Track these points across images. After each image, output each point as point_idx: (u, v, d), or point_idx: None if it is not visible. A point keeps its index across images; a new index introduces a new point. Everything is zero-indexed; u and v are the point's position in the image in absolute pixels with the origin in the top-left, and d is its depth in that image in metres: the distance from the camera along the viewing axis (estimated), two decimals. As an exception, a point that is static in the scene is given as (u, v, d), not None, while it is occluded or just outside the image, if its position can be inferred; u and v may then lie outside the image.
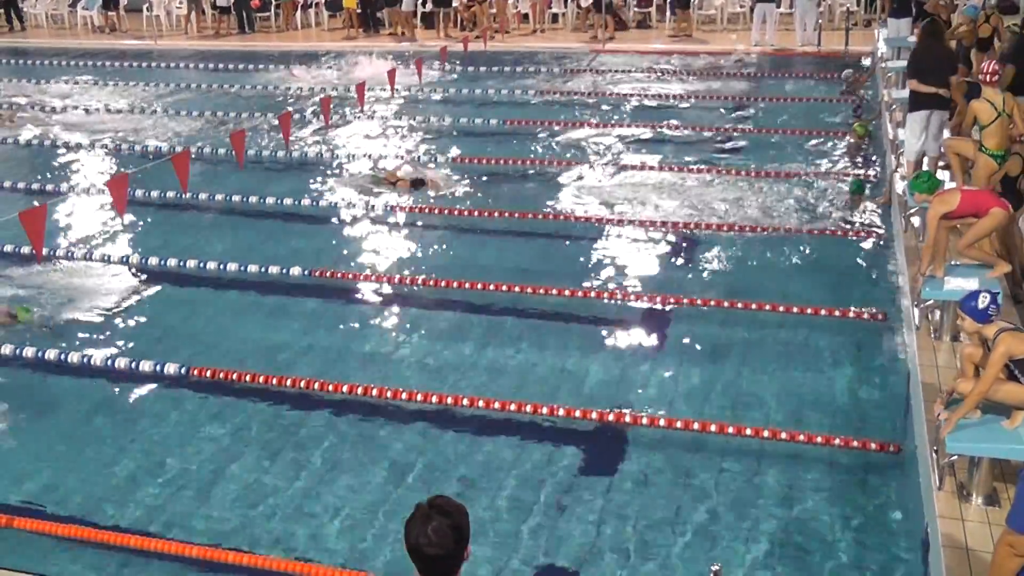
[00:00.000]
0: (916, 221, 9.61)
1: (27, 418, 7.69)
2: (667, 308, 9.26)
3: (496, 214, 11.78)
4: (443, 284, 9.82)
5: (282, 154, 14.12)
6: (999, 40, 14.16)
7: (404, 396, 7.69)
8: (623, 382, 8.02)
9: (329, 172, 13.75)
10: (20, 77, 20.98)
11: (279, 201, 12.35)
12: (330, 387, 7.85)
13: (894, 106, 13.82)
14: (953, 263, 8.11)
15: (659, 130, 15.38)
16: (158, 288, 10.05)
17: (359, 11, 24.00)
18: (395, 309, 9.56)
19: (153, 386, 8.08)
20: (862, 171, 12.90)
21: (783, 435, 6.99)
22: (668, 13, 23.26)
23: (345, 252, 11.00)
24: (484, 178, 13.20)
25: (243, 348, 8.73)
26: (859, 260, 10.24)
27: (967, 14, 14.68)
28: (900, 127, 12.96)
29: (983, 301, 5.95)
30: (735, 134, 15.11)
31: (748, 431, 7.05)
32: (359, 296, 9.81)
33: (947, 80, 10.62)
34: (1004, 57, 12.08)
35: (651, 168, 13.45)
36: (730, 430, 7.08)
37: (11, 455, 7.24)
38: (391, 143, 15.17)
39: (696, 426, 7.16)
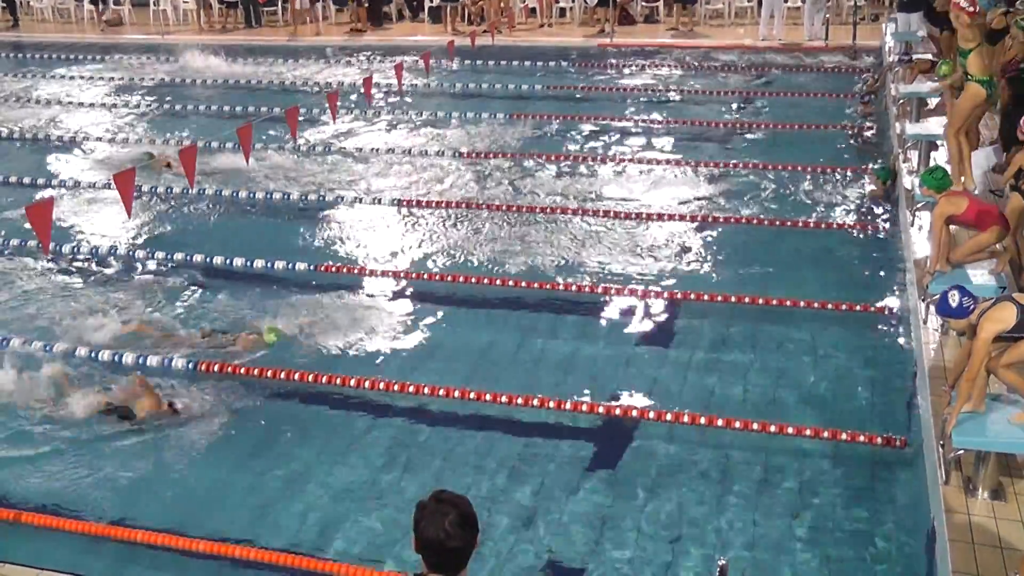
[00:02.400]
0: (922, 215, 9.62)
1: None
2: (674, 302, 9.26)
3: (503, 208, 11.80)
4: (448, 278, 9.85)
5: (289, 148, 14.15)
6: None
7: (411, 389, 7.72)
8: (630, 376, 8.04)
9: (336, 166, 13.80)
10: (24, 72, 20.99)
11: (285, 196, 12.40)
12: (338, 380, 7.89)
13: (901, 100, 13.79)
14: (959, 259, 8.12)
15: (666, 123, 15.37)
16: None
17: (367, 5, 23.99)
18: (399, 304, 9.55)
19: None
20: (872, 163, 12.87)
21: (790, 429, 7.00)
22: (675, 7, 23.22)
23: (351, 247, 11.01)
24: (490, 173, 13.22)
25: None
26: (866, 254, 10.23)
27: (981, 7, 14.58)
28: (907, 121, 12.94)
29: (953, 300, 5.97)
30: (743, 127, 15.07)
31: (755, 425, 7.06)
32: (362, 291, 9.81)
33: None
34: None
35: (658, 162, 13.45)
36: (737, 424, 7.09)
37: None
38: (396, 138, 15.19)
39: (703, 420, 7.16)
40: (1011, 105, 9.77)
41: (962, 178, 9.97)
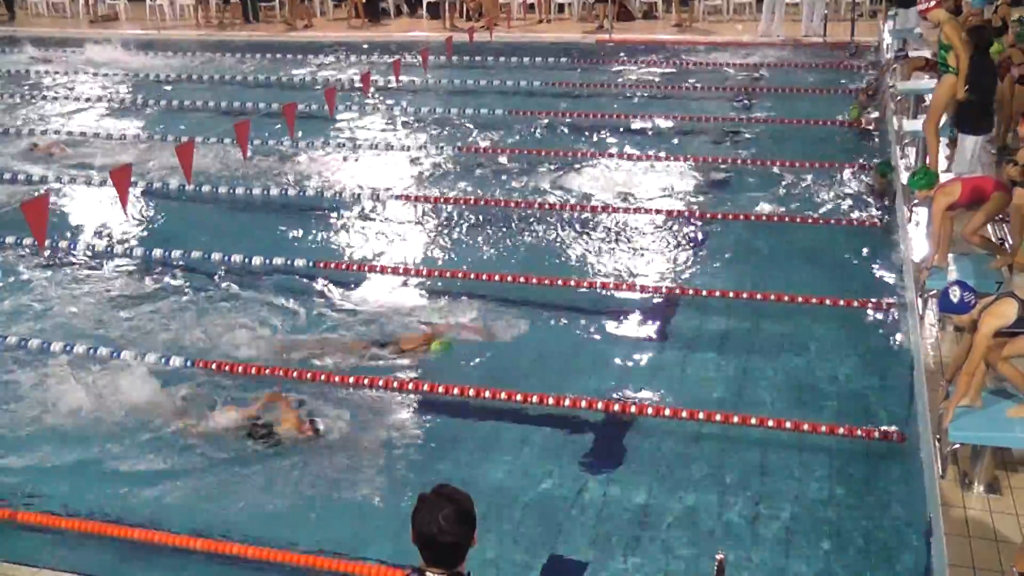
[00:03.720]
0: (920, 211, 9.65)
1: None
2: (672, 298, 9.29)
3: (500, 203, 11.82)
4: (447, 275, 9.86)
5: (287, 144, 14.15)
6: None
7: (411, 386, 7.74)
8: (629, 371, 8.05)
9: (334, 162, 13.81)
10: (19, 66, 20.95)
11: (283, 192, 12.41)
12: (336, 378, 7.90)
13: (899, 97, 13.81)
14: (956, 254, 8.15)
15: (665, 119, 15.37)
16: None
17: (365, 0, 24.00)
18: (396, 298, 9.56)
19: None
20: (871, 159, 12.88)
21: (788, 424, 7.03)
22: (674, 2, 23.25)
23: (348, 242, 11.03)
24: (488, 168, 13.23)
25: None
26: (863, 250, 10.25)
27: (975, 5, 14.64)
28: (906, 117, 12.97)
29: (954, 296, 5.99)
30: (741, 123, 15.09)
31: (753, 420, 7.08)
32: (360, 286, 9.82)
33: None
34: None
35: (657, 158, 13.46)
36: (735, 419, 7.11)
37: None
38: (393, 134, 15.21)
39: (701, 415, 7.19)
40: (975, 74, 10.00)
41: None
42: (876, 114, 14.59)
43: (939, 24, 10.38)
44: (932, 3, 10.33)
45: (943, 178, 8.65)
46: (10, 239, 10.75)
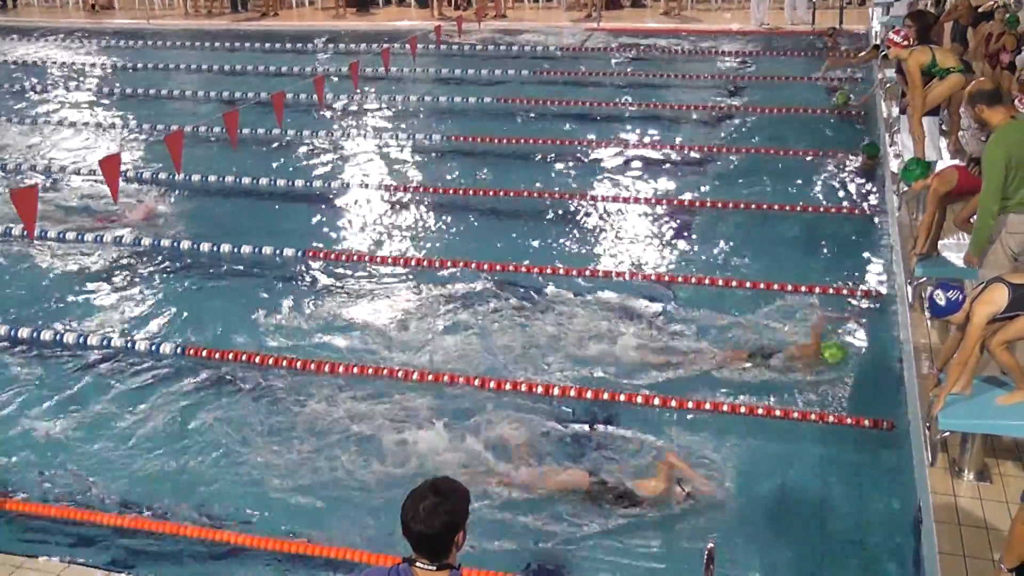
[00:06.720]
0: (908, 198, 9.67)
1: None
2: (661, 286, 9.28)
3: (490, 193, 11.79)
4: (437, 264, 9.84)
5: (276, 133, 14.09)
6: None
7: (400, 375, 7.71)
8: (618, 360, 8.02)
9: (323, 152, 13.76)
10: (12, 57, 20.82)
11: (272, 181, 12.37)
12: (326, 367, 7.88)
13: (888, 84, 13.82)
14: (945, 241, 8.16)
15: (654, 108, 15.36)
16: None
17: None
18: (388, 289, 9.53)
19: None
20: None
21: (777, 412, 7.03)
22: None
23: (339, 232, 10.99)
24: (478, 158, 13.19)
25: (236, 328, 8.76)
26: (853, 237, 10.26)
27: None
28: (895, 104, 12.98)
29: (940, 299, 5.91)
30: (729, 111, 15.09)
31: (743, 408, 7.08)
32: (353, 276, 9.79)
33: None
34: None
35: (645, 146, 13.45)
36: (725, 407, 7.12)
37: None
38: (384, 123, 15.16)
39: (690, 404, 7.19)
40: None
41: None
42: (858, 101, 14.58)
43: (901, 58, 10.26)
44: (897, 40, 10.19)
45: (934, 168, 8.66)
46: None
